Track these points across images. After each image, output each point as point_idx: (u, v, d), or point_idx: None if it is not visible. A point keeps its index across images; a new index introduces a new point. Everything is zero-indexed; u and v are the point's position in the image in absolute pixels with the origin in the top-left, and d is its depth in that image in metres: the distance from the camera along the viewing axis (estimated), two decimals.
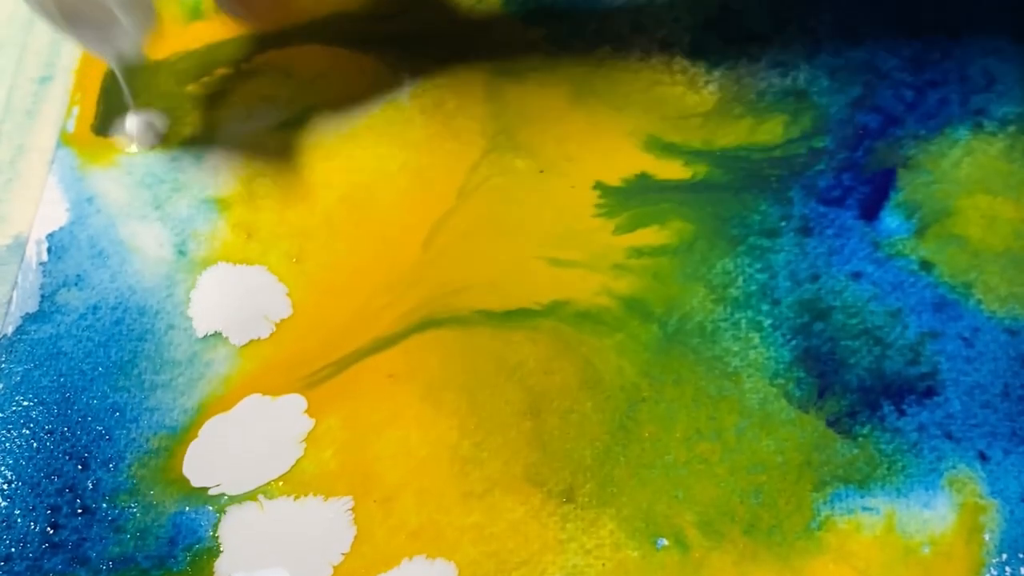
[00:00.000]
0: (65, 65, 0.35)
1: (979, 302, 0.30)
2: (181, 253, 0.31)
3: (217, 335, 0.30)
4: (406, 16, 0.36)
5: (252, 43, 0.35)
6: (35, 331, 0.30)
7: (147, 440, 0.29)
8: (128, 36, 0.30)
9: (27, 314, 0.31)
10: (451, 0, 0.36)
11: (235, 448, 0.29)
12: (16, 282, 0.31)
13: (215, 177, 0.33)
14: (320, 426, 0.29)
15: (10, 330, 0.30)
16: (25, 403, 0.29)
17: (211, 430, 0.29)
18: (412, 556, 0.27)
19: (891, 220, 0.31)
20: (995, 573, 0.26)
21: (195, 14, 0.36)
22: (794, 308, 0.30)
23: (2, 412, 0.29)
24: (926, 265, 0.30)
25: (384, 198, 0.32)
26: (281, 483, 0.28)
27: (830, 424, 0.28)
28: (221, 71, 0.34)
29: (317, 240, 0.31)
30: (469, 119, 0.33)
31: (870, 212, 0.31)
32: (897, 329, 0.29)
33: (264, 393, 0.29)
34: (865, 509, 0.27)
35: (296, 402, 0.29)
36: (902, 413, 0.28)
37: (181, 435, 0.29)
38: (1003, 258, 0.30)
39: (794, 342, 0.29)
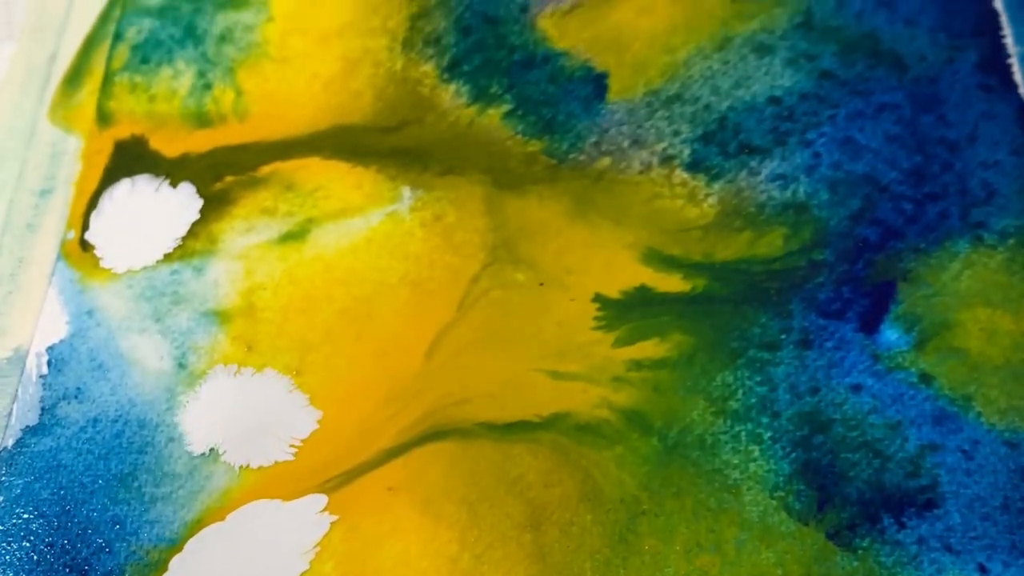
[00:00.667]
0: (65, 178, 0.38)
1: (979, 415, 0.32)
2: (181, 366, 0.34)
3: (217, 448, 0.33)
4: (406, 129, 0.39)
5: (258, 152, 0.38)
6: (35, 444, 0.33)
7: (147, 553, 0.31)
8: None
9: (27, 427, 0.33)
10: (451, 113, 0.39)
11: (238, 559, 0.31)
12: (16, 395, 0.34)
13: (215, 290, 0.35)
14: (321, 539, 0.31)
15: (10, 443, 0.33)
16: (25, 516, 0.32)
17: (208, 541, 0.31)
18: None
19: (891, 333, 0.34)
20: None
21: (200, 121, 0.40)
22: (794, 421, 0.32)
23: (2, 525, 0.32)
24: (926, 378, 0.33)
25: (385, 311, 0.35)
26: None
27: (830, 537, 0.31)
28: (230, 178, 0.38)
29: (318, 353, 0.34)
30: (469, 232, 0.36)
31: (870, 325, 0.34)
32: (897, 442, 0.32)
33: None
34: None
35: (306, 509, 0.32)
36: (902, 526, 0.31)
37: (181, 548, 0.31)
38: (1003, 371, 0.33)
39: (794, 455, 0.32)
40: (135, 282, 0.36)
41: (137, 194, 0.38)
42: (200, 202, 0.37)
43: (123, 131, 0.40)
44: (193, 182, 0.38)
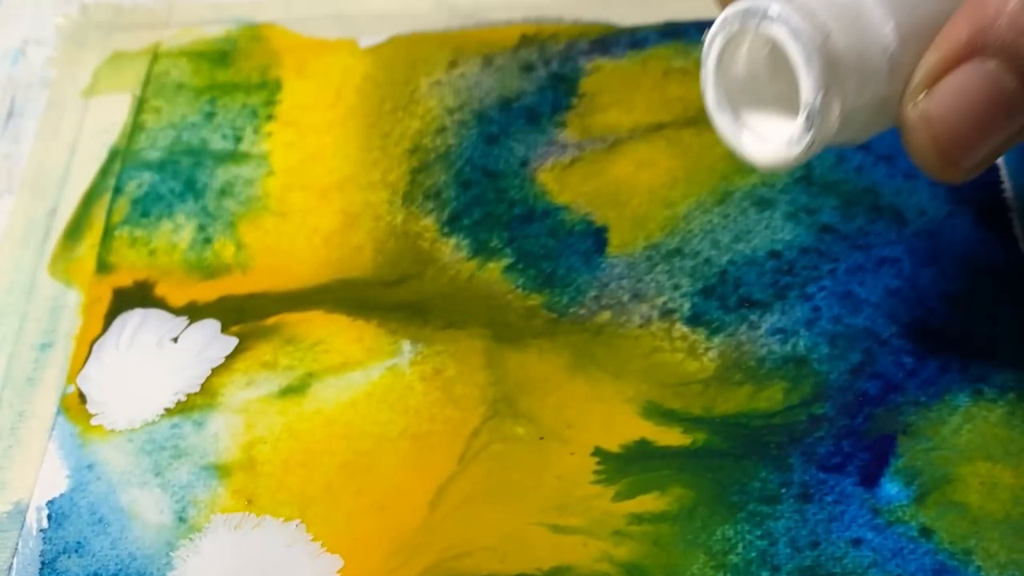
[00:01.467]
0: (65, 332, 0.42)
1: (979, 569, 0.35)
2: (181, 520, 0.37)
3: None
4: (407, 283, 0.43)
5: (262, 304, 0.42)
6: None
7: None
8: None
9: None
10: (451, 267, 0.43)
11: None
12: (16, 549, 0.37)
13: (215, 444, 0.39)
14: None
15: None
16: None
17: None
18: None
19: (891, 487, 0.37)
20: None
21: (206, 272, 0.44)
22: (794, 575, 0.36)
23: None
24: (926, 532, 0.36)
25: (385, 465, 0.38)
26: None
27: None
28: (235, 328, 0.42)
29: (318, 507, 0.37)
30: (469, 386, 0.40)
31: (870, 479, 0.37)
32: None
33: None
34: None
35: None
36: None
37: None
38: (1003, 525, 0.36)
39: None
40: (135, 436, 0.39)
41: (138, 346, 0.42)
42: (208, 359, 0.42)
43: (123, 280, 0.44)
44: (196, 335, 0.42)
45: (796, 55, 0.33)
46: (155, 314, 0.43)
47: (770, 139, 0.35)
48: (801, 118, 0.34)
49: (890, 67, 0.34)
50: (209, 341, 0.42)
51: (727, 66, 0.35)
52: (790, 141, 0.34)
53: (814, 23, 0.33)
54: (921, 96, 0.34)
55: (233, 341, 0.42)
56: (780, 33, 0.33)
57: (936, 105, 0.34)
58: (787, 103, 0.35)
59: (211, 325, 0.42)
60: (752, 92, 0.36)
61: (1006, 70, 0.33)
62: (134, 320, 0.42)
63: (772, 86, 0.35)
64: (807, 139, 0.34)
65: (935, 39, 0.34)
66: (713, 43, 0.35)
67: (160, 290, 0.43)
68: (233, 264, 0.44)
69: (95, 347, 0.42)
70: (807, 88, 0.33)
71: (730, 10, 0.34)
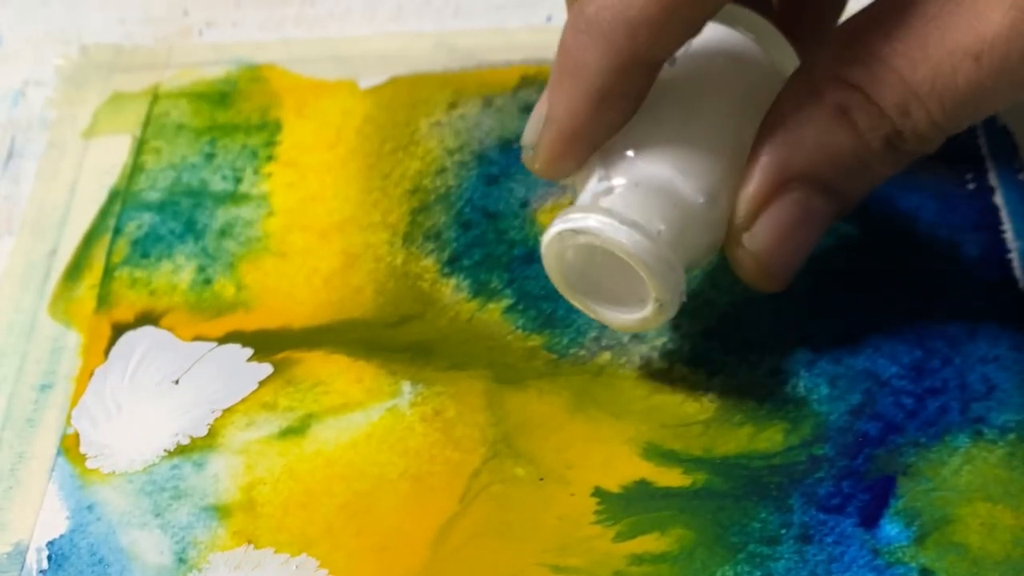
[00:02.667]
0: (65, 373, 0.43)
1: None
2: (181, 560, 0.38)
3: None
4: (407, 325, 0.44)
5: (263, 343, 0.43)
6: None
7: None
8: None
9: None
10: (452, 308, 0.44)
11: None
12: None
13: (215, 485, 0.40)
14: None
15: None
16: None
17: None
18: None
19: (891, 528, 0.38)
20: None
21: (215, 311, 0.44)
22: None
23: None
24: (926, 572, 0.37)
25: (385, 506, 0.39)
26: None
27: None
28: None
29: (319, 548, 0.38)
30: (470, 427, 0.41)
31: (870, 520, 0.38)
32: None
33: None
34: None
35: None
36: None
37: None
38: (1003, 566, 0.37)
39: None
40: (135, 477, 0.40)
41: (137, 387, 0.43)
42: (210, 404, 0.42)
43: (122, 317, 0.45)
44: (196, 377, 0.43)
45: (636, 265, 0.38)
46: (156, 350, 0.44)
47: (626, 312, 0.40)
48: (653, 306, 0.39)
49: (708, 224, 0.39)
50: (211, 380, 0.43)
51: (565, 257, 0.40)
52: (645, 319, 0.39)
53: (642, 230, 0.38)
54: (744, 236, 0.39)
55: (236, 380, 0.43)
56: (614, 248, 0.38)
57: (760, 241, 0.39)
58: (629, 274, 0.39)
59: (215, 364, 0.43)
60: (593, 270, 0.40)
61: (812, 192, 0.39)
62: (135, 356, 0.43)
63: (608, 263, 0.39)
64: (663, 318, 0.39)
65: (743, 184, 0.39)
66: (547, 251, 0.40)
67: (163, 326, 0.44)
68: (235, 305, 0.45)
69: (95, 384, 0.43)
70: (652, 286, 0.38)
71: (561, 226, 0.39)
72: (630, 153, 0.39)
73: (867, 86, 0.37)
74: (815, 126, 0.38)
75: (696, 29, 0.38)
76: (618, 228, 0.38)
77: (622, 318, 0.40)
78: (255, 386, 0.42)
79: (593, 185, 0.39)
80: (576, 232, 0.38)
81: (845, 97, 0.38)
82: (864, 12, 0.38)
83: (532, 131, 0.40)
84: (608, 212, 0.38)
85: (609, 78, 0.38)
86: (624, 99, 0.39)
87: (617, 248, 0.38)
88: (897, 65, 0.37)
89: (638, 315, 0.39)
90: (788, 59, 0.41)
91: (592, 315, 0.41)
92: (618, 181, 0.39)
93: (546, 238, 0.39)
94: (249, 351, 0.43)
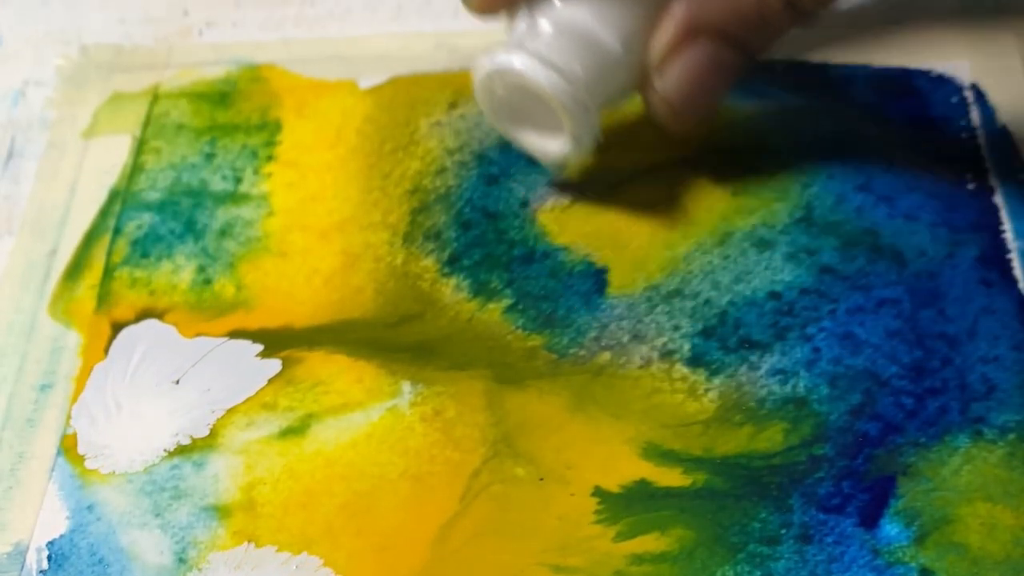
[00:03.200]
0: (65, 373, 0.43)
1: None
2: (181, 560, 0.38)
3: None
4: (407, 324, 0.44)
5: (268, 342, 0.44)
6: None
7: None
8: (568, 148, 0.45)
9: None
10: (451, 308, 0.44)
11: None
12: None
13: (215, 485, 0.40)
14: None
15: None
16: None
17: None
18: None
19: (891, 528, 0.38)
20: None
21: (215, 311, 0.45)
22: None
23: None
24: (926, 572, 0.37)
25: (385, 506, 0.39)
26: None
27: None
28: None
29: (319, 548, 0.38)
30: (470, 427, 0.41)
31: (870, 520, 0.38)
32: None
33: None
34: None
35: None
36: None
37: None
38: (1003, 565, 0.37)
39: None
40: (135, 477, 0.40)
41: (138, 386, 0.43)
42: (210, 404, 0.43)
43: (122, 317, 0.45)
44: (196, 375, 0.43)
45: (553, 105, 0.43)
46: (158, 348, 0.44)
47: (548, 145, 0.46)
48: (569, 141, 0.44)
49: (623, 68, 0.45)
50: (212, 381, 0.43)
51: (495, 93, 0.45)
52: (564, 150, 0.45)
53: (561, 72, 0.43)
54: (656, 80, 0.45)
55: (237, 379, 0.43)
56: (535, 88, 0.43)
57: (669, 85, 0.44)
58: (550, 111, 0.44)
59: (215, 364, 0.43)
60: (521, 105, 0.45)
61: (719, 44, 0.44)
62: (137, 354, 0.43)
63: (533, 100, 0.44)
64: (579, 153, 0.45)
65: (656, 33, 0.44)
66: (479, 88, 0.45)
67: (157, 333, 0.44)
68: (236, 304, 0.45)
69: (96, 381, 0.43)
70: (568, 125, 0.44)
71: (490, 67, 0.44)
72: (556, 1, 0.44)
73: None
74: None
75: None
76: (539, 70, 0.43)
77: (545, 149, 0.45)
78: (264, 383, 0.42)
79: (520, 28, 0.44)
80: (502, 72, 0.44)
81: None
82: None
83: None
84: (531, 54, 0.43)
85: None
86: None
87: (537, 88, 0.43)
88: None
89: (557, 149, 0.45)
90: None
91: (521, 146, 0.46)
92: (543, 26, 0.44)
93: (477, 77, 0.45)
94: (259, 347, 0.43)
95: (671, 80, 0.44)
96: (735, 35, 0.44)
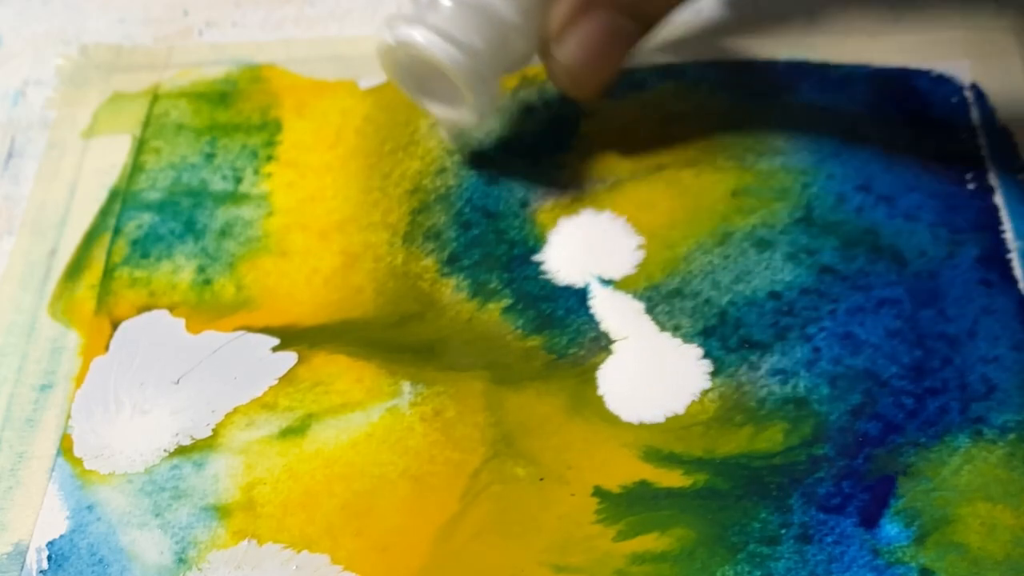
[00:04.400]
0: (65, 373, 0.43)
1: None
2: (181, 560, 0.38)
3: None
4: (407, 325, 0.44)
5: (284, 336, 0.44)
6: None
7: None
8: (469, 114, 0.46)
9: None
10: (451, 308, 0.44)
11: None
12: None
13: (215, 485, 0.40)
14: None
15: None
16: None
17: None
18: None
19: (891, 527, 0.38)
20: None
21: (216, 311, 0.44)
22: None
23: None
24: (926, 573, 0.37)
25: (385, 506, 0.39)
26: None
27: None
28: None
29: (319, 547, 0.38)
30: (469, 427, 0.41)
31: (870, 520, 0.38)
32: None
33: None
34: None
35: None
36: None
37: None
38: (1003, 566, 0.37)
39: None
40: (135, 477, 0.40)
41: (138, 385, 0.43)
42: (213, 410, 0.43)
43: (122, 317, 0.45)
44: (198, 379, 0.43)
45: (453, 78, 0.45)
46: (159, 346, 0.44)
47: (451, 113, 0.47)
48: (470, 110, 0.46)
49: (522, 37, 0.45)
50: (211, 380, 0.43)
51: (399, 62, 0.46)
52: (465, 119, 0.46)
53: (460, 46, 0.44)
54: (554, 48, 0.45)
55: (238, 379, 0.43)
56: (435, 62, 0.44)
57: (567, 54, 0.45)
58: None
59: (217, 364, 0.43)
60: (424, 73, 0.46)
61: (615, 13, 0.45)
62: (138, 353, 0.44)
63: (435, 69, 0.45)
64: (480, 120, 0.46)
65: (553, 3, 0.45)
66: (383, 59, 0.46)
67: (156, 334, 0.44)
68: (236, 304, 0.45)
69: (96, 380, 0.43)
70: (467, 96, 0.45)
71: (391, 40, 0.45)
72: None
73: None
74: None
75: None
76: (437, 43, 0.44)
77: (448, 117, 0.47)
78: (280, 376, 0.43)
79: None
80: (405, 46, 0.45)
81: None
82: None
83: None
84: (432, 28, 0.44)
85: None
86: None
87: (438, 63, 0.44)
88: None
89: (459, 117, 0.46)
90: None
91: (428, 110, 0.47)
92: None
93: (379, 49, 0.46)
94: (275, 340, 0.44)
95: (569, 49, 0.45)
96: (630, 4, 0.45)
